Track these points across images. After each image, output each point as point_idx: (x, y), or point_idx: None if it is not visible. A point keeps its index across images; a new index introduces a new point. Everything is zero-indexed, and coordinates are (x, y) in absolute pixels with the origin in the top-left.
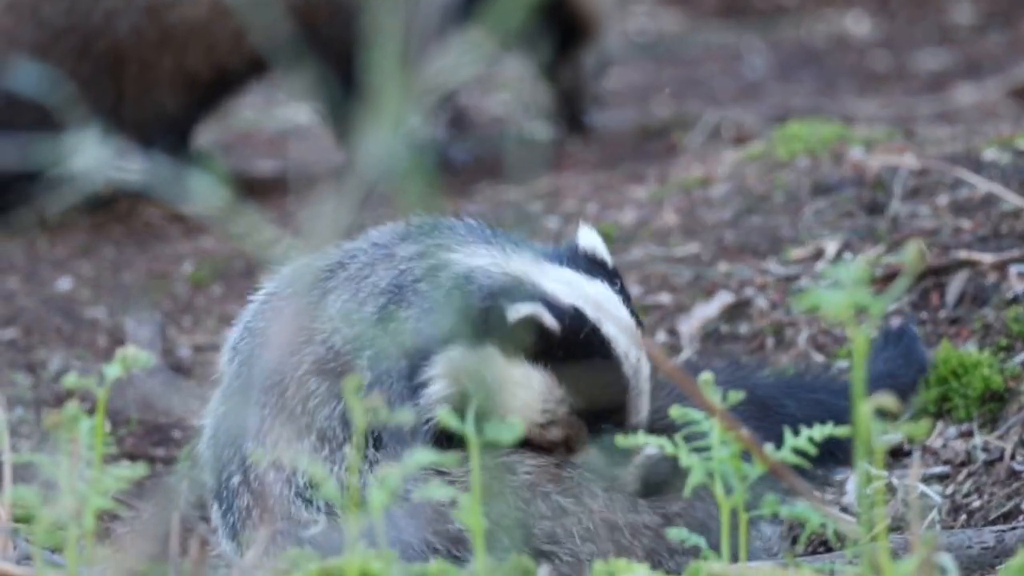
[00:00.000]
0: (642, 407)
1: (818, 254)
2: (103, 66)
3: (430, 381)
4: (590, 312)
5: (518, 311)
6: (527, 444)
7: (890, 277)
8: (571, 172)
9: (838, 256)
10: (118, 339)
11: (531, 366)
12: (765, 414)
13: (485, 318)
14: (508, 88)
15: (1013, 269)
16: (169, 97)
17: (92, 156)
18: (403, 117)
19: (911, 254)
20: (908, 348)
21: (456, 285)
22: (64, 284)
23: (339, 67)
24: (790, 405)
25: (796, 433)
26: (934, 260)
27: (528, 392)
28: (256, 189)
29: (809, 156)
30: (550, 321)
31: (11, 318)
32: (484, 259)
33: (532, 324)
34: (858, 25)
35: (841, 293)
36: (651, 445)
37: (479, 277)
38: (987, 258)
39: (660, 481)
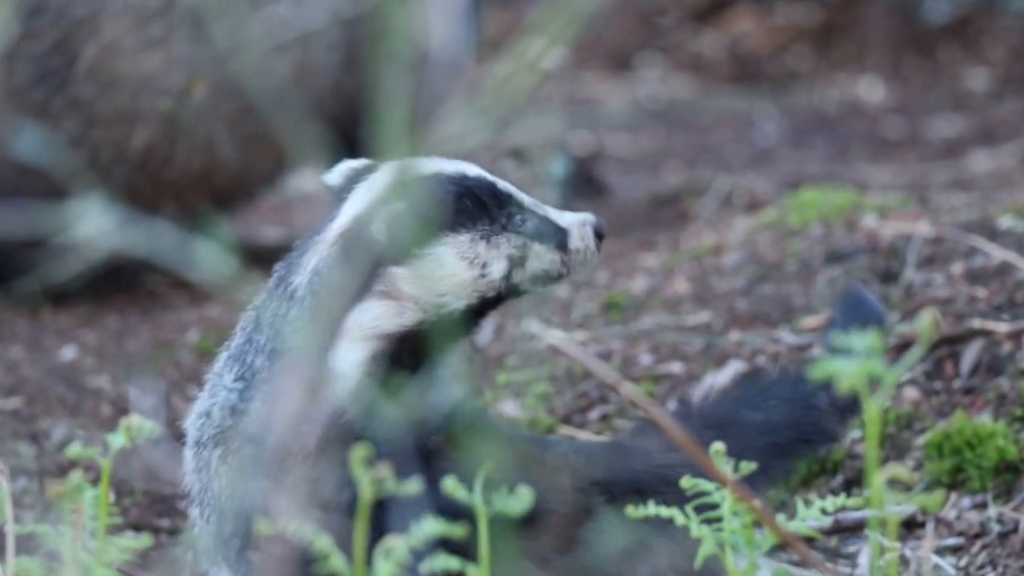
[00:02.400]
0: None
1: (831, 323)
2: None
3: (346, 348)
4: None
5: (368, 225)
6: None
7: (904, 346)
8: None
9: None
10: (122, 408)
11: (430, 249)
12: (725, 433)
13: (359, 244)
14: (518, 154)
15: None
16: (171, 211)
17: (96, 224)
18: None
19: (925, 323)
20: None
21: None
22: (68, 353)
23: (346, 128)
24: (749, 414)
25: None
26: (948, 329)
27: (454, 267)
28: (262, 257)
29: (822, 224)
30: (391, 205)
31: (14, 387)
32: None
33: (389, 218)
34: (871, 91)
35: (854, 363)
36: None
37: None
38: (1002, 327)
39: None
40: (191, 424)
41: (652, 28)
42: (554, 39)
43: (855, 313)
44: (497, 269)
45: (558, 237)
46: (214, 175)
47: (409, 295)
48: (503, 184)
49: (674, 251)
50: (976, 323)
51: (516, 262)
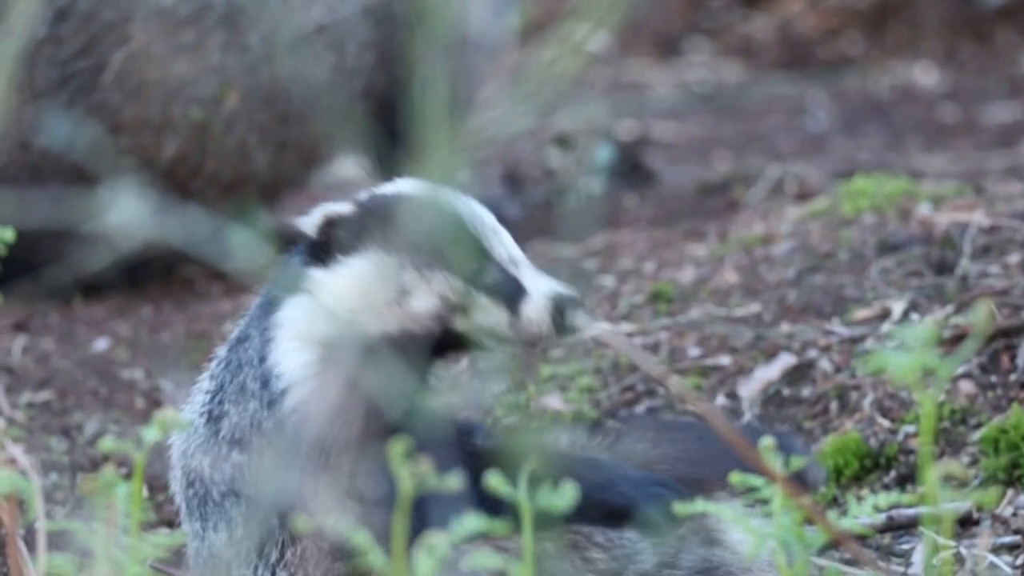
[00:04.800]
0: (504, 239)
1: (884, 315)
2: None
3: (280, 356)
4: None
5: (306, 221)
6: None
7: (959, 339)
8: (627, 229)
9: (904, 317)
10: (156, 401)
11: (354, 260)
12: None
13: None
14: (563, 141)
15: None
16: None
17: (129, 212)
18: (452, 170)
19: (980, 315)
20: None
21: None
22: (100, 345)
23: (384, 119)
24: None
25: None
26: (1004, 321)
27: (369, 285)
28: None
29: (875, 213)
30: (341, 207)
31: (45, 380)
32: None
33: (328, 219)
34: (926, 77)
35: (908, 355)
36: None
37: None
38: None
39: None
40: (176, 437)
41: (700, 11)
42: (599, 23)
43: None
44: (421, 304)
45: (513, 300)
46: (244, 183)
47: (328, 302)
48: (485, 232)
49: (722, 241)
50: None
51: (454, 307)
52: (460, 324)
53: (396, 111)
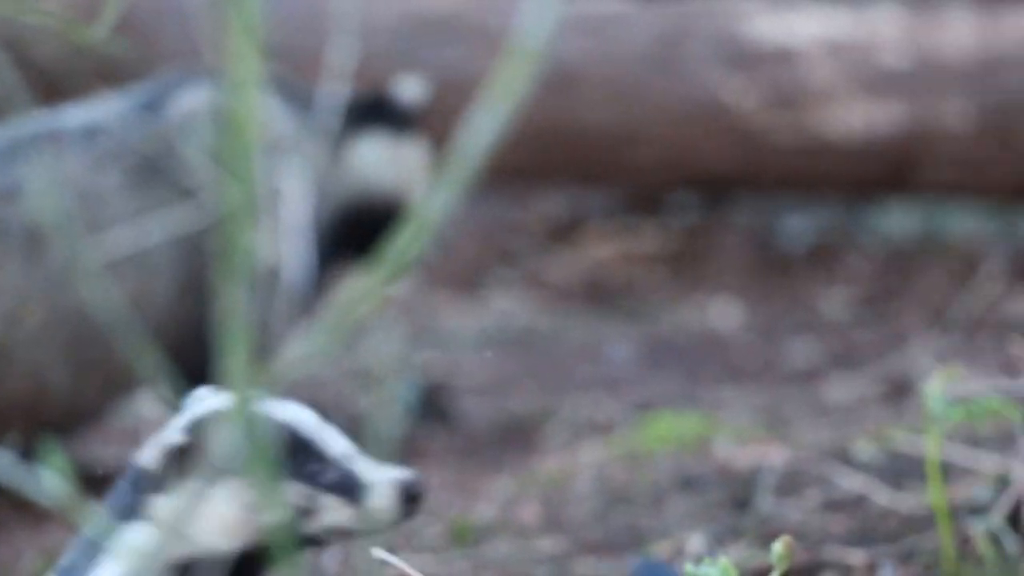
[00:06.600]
0: (334, 436)
1: (682, 551)
2: None
3: None
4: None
5: (142, 454)
6: None
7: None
8: (429, 465)
9: (703, 553)
10: None
11: (196, 484)
12: None
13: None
14: (365, 378)
15: (883, 570)
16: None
17: None
18: (253, 407)
19: (779, 552)
20: None
21: None
22: None
23: (187, 350)
24: None
25: None
26: (802, 559)
27: (214, 506)
28: (103, 480)
29: (674, 450)
30: (174, 435)
31: None
32: None
33: (164, 449)
34: (727, 316)
35: None
36: None
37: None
38: (857, 557)
39: None
40: None
41: (505, 249)
42: (397, 269)
43: None
44: (271, 516)
45: (357, 493)
46: (43, 404)
47: (174, 526)
48: (309, 431)
49: (523, 476)
50: (830, 553)
51: (300, 512)
52: (307, 526)
53: (199, 343)
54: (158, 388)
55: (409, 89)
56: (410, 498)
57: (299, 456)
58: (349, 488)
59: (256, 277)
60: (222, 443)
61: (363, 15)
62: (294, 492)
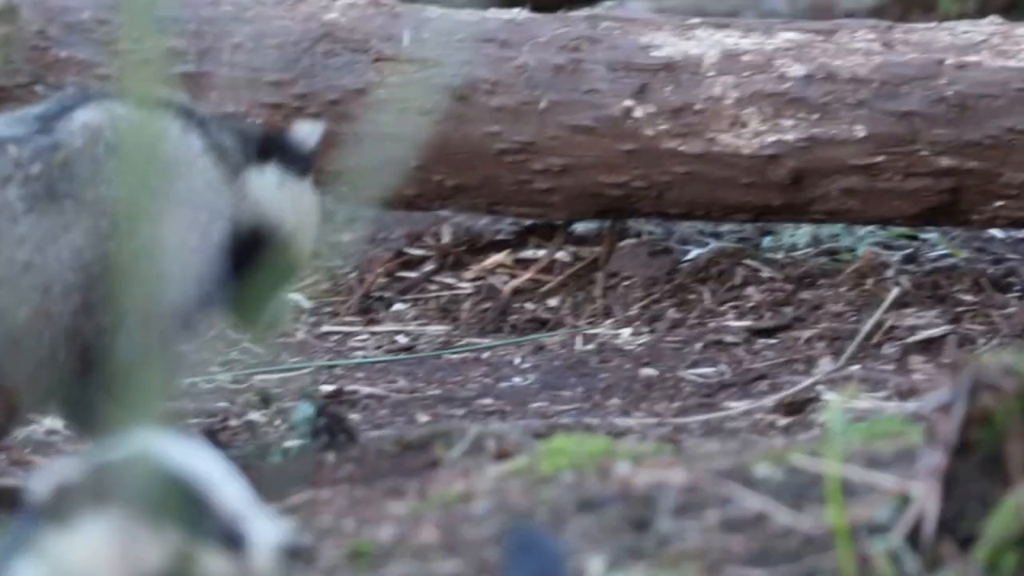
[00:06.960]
0: (228, 486)
1: (583, 573)
2: None
3: None
4: None
5: (33, 484)
6: None
7: None
8: (327, 486)
9: (603, 575)
10: None
11: (84, 522)
12: None
13: None
14: (264, 399)
15: None
16: None
17: None
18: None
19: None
20: None
21: None
22: None
23: (87, 367)
24: None
25: None
26: None
27: (98, 547)
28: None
29: (574, 471)
30: (68, 468)
31: None
32: None
33: (55, 482)
34: (626, 335)
35: None
36: None
37: None
38: None
39: None
40: None
41: (403, 271)
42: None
43: (530, 559)
44: (150, 562)
45: (236, 546)
46: None
47: (58, 566)
48: (208, 482)
49: (422, 498)
50: (730, 574)
51: (181, 559)
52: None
53: (99, 360)
54: (53, 410)
55: (309, 133)
56: (293, 556)
57: (187, 503)
58: (233, 541)
59: (153, 306)
60: (113, 482)
61: (256, 30)
62: (177, 539)
